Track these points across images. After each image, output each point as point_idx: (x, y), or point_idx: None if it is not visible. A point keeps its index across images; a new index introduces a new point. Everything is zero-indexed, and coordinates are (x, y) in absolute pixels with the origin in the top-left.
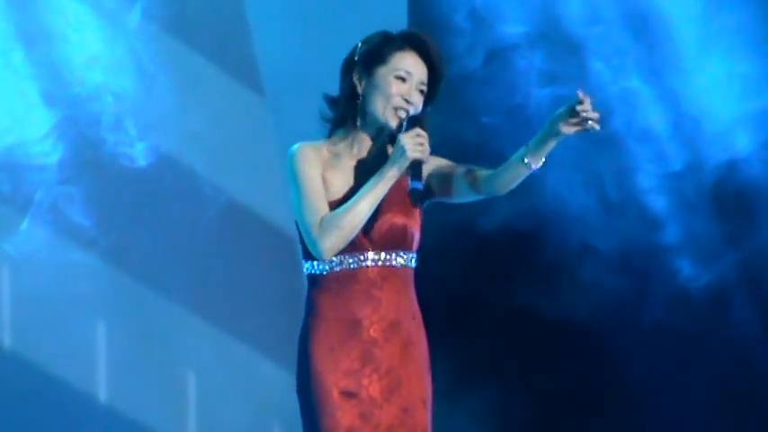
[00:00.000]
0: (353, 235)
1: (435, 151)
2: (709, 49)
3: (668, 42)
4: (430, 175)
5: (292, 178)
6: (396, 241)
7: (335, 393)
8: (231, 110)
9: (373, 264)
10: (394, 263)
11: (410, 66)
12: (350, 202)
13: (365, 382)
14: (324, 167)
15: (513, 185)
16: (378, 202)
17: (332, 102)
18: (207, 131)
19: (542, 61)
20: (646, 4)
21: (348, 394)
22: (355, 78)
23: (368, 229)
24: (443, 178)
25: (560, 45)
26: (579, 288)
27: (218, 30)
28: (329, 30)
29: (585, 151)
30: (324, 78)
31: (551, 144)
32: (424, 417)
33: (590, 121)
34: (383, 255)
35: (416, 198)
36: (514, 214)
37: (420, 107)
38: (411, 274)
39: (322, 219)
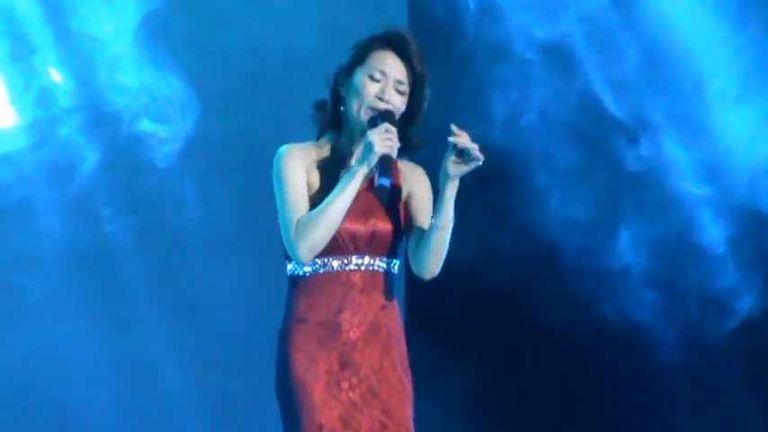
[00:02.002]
0: (330, 235)
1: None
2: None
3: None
4: (410, 198)
5: (277, 178)
6: (380, 246)
7: (316, 396)
8: (232, 109)
9: (357, 268)
10: (377, 267)
11: (386, 65)
12: (323, 203)
13: (345, 385)
14: (309, 169)
15: (436, 255)
16: (350, 200)
17: (319, 106)
18: (211, 131)
19: (546, 61)
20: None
21: (328, 397)
22: (338, 82)
23: (353, 233)
24: (415, 215)
25: (563, 46)
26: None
27: (219, 31)
28: (328, 30)
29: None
30: (321, 78)
31: (450, 191)
32: (407, 418)
33: (473, 152)
34: (367, 259)
35: (382, 194)
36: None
37: (400, 106)
38: (393, 278)
39: (299, 220)
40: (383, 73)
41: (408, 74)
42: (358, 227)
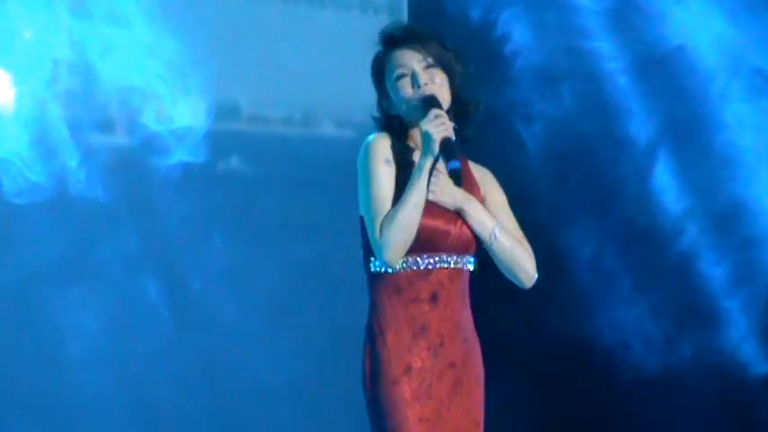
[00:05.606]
0: (412, 234)
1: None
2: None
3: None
4: (487, 203)
5: (363, 171)
6: (466, 245)
7: (408, 394)
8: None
9: (445, 266)
10: (461, 265)
11: (400, 62)
12: (397, 205)
13: (434, 381)
14: (397, 162)
15: (504, 263)
16: (422, 197)
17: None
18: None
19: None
20: None
21: (419, 395)
22: (384, 109)
23: (445, 231)
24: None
25: (567, 39)
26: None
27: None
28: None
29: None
30: (321, 73)
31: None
32: (481, 418)
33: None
34: (455, 258)
35: (458, 178)
36: None
37: (440, 82)
38: (469, 277)
39: (381, 222)
40: (402, 66)
41: (425, 54)
42: (450, 225)
